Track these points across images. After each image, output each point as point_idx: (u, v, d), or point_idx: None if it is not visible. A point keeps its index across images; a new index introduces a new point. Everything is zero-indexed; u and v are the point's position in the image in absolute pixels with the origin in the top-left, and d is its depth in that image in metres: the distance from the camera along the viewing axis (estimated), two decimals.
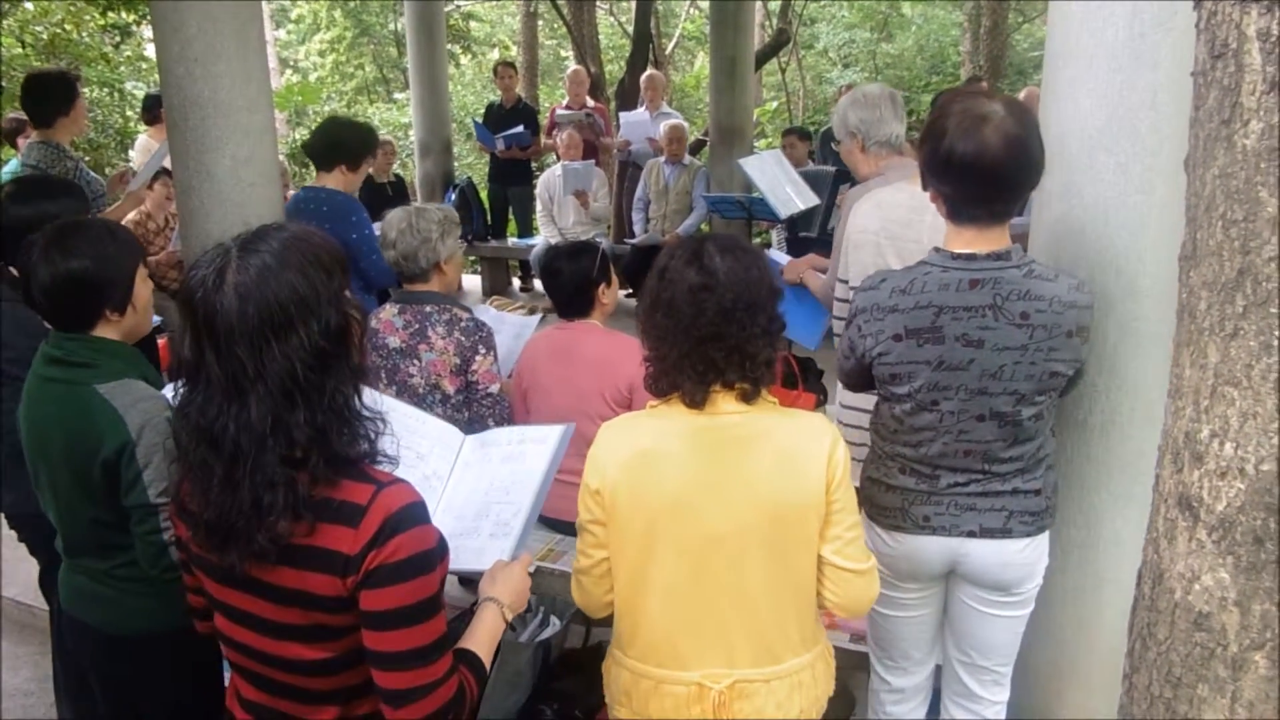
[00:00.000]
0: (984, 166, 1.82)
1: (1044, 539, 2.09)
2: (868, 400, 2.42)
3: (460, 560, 1.83)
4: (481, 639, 1.60)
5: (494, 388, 2.93)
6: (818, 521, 1.73)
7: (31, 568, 3.02)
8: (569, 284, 3.01)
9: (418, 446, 2.07)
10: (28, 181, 2.85)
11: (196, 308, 1.32)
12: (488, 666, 1.57)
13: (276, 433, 1.31)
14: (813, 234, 5.96)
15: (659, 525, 1.72)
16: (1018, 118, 1.83)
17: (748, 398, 1.72)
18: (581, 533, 1.83)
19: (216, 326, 1.30)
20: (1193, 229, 0.99)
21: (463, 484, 2.02)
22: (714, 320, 1.67)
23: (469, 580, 3.05)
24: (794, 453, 1.71)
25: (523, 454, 1.99)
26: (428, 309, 2.92)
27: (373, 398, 2.04)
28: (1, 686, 3.44)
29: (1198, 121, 0.96)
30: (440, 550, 1.43)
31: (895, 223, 2.63)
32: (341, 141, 3.87)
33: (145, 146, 6.81)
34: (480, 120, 8.14)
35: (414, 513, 1.39)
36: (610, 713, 1.91)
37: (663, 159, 7.25)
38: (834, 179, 5.89)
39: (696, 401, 1.71)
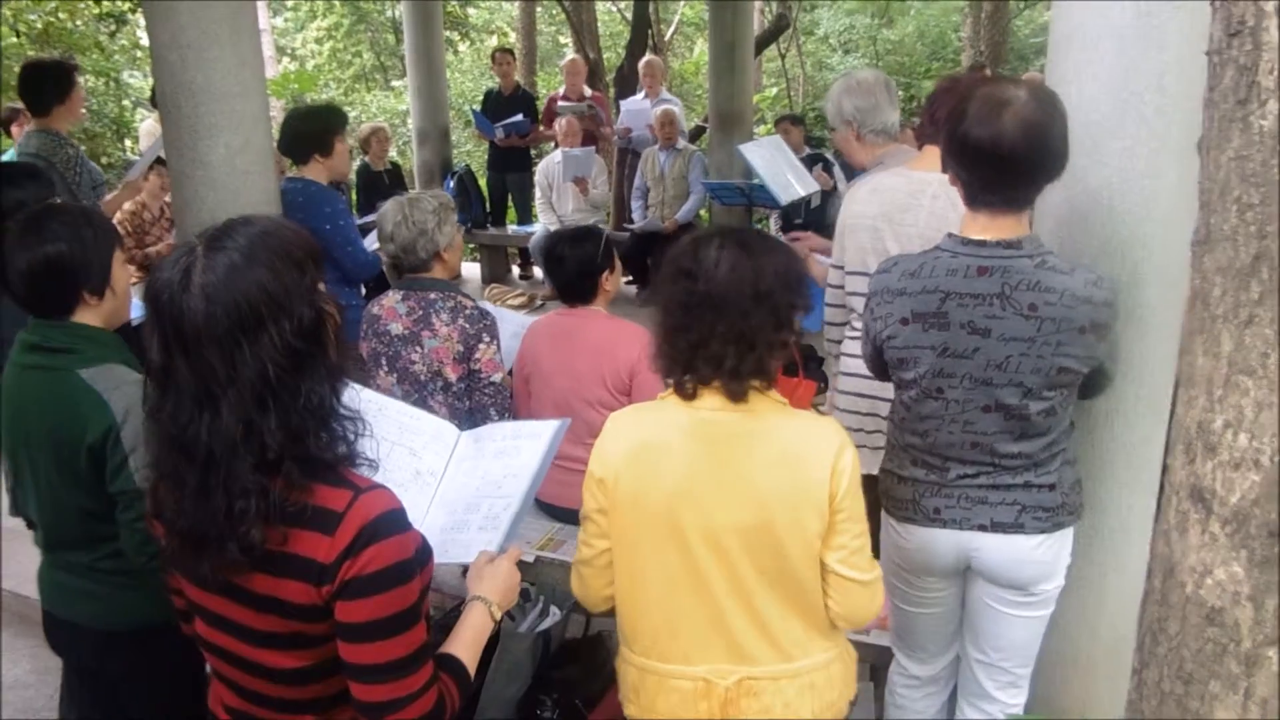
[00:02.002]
0: (1000, 153, 1.79)
1: (1063, 537, 2.05)
2: (866, 387, 2.40)
3: (449, 554, 1.82)
4: (466, 641, 1.56)
5: (496, 377, 2.91)
6: (818, 525, 1.69)
7: (28, 559, 3.00)
8: (572, 269, 2.99)
9: (411, 443, 2.05)
10: None
11: (163, 311, 1.28)
12: (472, 670, 1.53)
13: (249, 439, 1.27)
14: (801, 220, 5.96)
15: (658, 518, 1.71)
16: (1041, 104, 1.79)
17: (740, 395, 1.68)
18: (585, 522, 1.81)
19: (185, 330, 1.26)
20: (1206, 213, 0.96)
21: (456, 479, 2.00)
22: (743, 298, 1.64)
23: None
24: (796, 453, 1.69)
25: (516, 449, 1.98)
26: (432, 296, 2.91)
27: (367, 395, 2.02)
28: (1, 680, 3.42)
29: (1212, 102, 0.93)
30: (420, 559, 1.39)
31: (893, 207, 2.60)
32: (304, 133, 3.82)
33: (150, 131, 6.79)
34: (479, 108, 8.09)
35: (392, 520, 1.35)
36: (624, 709, 1.90)
37: (657, 146, 7.22)
38: (807, 162, 5.88)
39: (688, 393, 1.69)
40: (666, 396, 1.77)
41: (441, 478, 2.02)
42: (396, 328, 2.92)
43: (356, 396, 1.43)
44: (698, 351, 1.66)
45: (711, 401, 1.70)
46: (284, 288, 1.29)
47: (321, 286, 1.38)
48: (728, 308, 1.64)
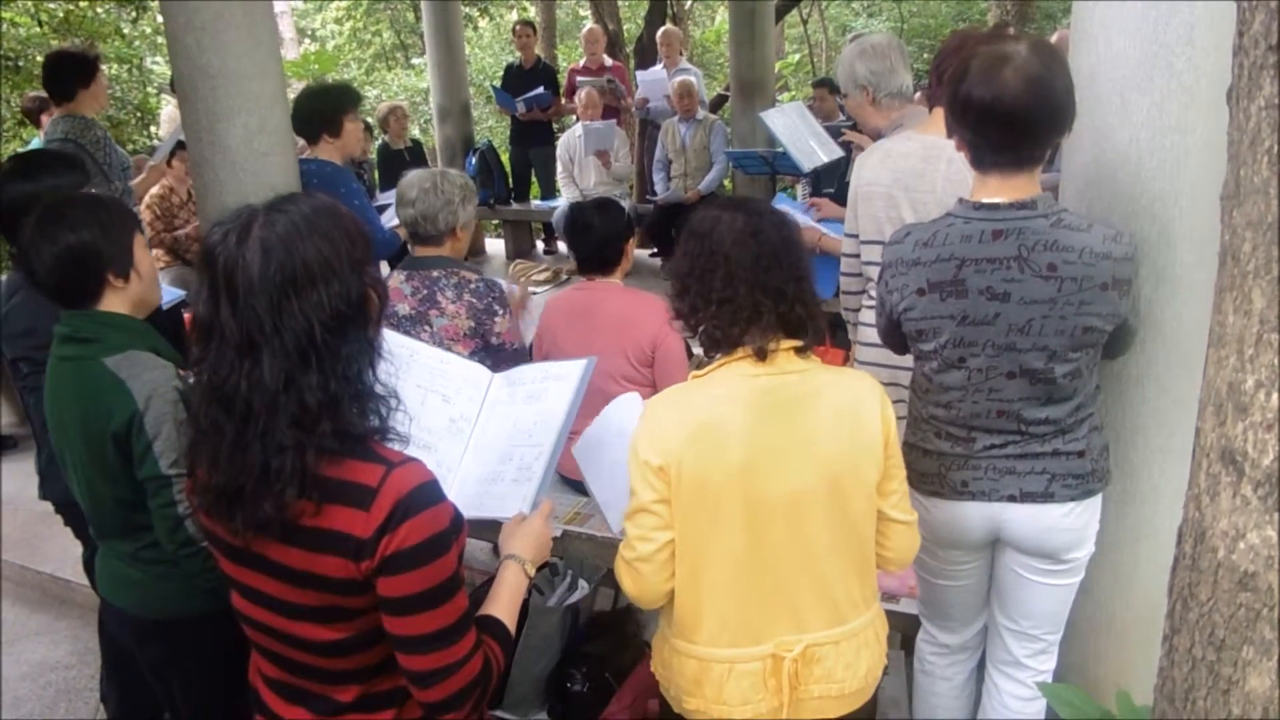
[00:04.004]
0: (1003, 110, 1.75)
1: (1092, 504, 2.02)
2: (885, 356, 2.37)
3: (485, 508, 1.81)
4: (504, 601, 1.58)
5: (517, 345, 2.94)
6: (875, 475, 1.72)
7: (68, 543, 3.05)
8: (601, 238, 3.01)
9: (444, 389, 2.05)
10: (26, 157, 2.82)
11: (217, 260, 1.29)
12: (512, 628, 1.56)
13: (289, 392, 1.28)
14: (833, 189, 5.87)
15: (727, 497, 1.68)
16: (1041, 58, 1.75)
17: (803, 351, 1.71)
18: (639, 516, 1.73)
19: (236, 281, 1.28)
20: (1235, 165, 0.92)
21: (490, 425, 2.00)
22: (776, 249, 1.68)
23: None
24: (850, 410, 1.70)
25: (545, 392, 1.96)
26: (435, 274, 2.91)
27: (399, 340, 2.03)
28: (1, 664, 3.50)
29: (1242, 49, 0.89)
30: (455, 528, 1.40)
31: (907, 173, 2.55)
32: (314, 111, 3.81)
33: (172, 117, 6.84)
34: (500, 82, 8.06)
35: (426, 494, 1.36)
36: (677, 706, 1.85)
37: (677, 117, 7.16)
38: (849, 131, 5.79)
39: (764, 351, 1.67)
40: (707, 374, 1.75)
41: (475, 423, 2.01)
42: (403, 309, 2.92)
43: (386, 342, 1.44)
44: (793, 286, 1.68)
45: (774, 364, 1.69)
46: (337, 255, 1.32)
47: (371, 270, 1.40)
48: (797, 247, 1.71)
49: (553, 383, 1.97)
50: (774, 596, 1.73)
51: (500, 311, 2.89)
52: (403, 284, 2.94)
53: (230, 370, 1.30)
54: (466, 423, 2.01)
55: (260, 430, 1.29)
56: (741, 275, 1.67)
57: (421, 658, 1.38)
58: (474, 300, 2.87)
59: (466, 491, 1.88)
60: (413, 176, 2.98)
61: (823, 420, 1.69)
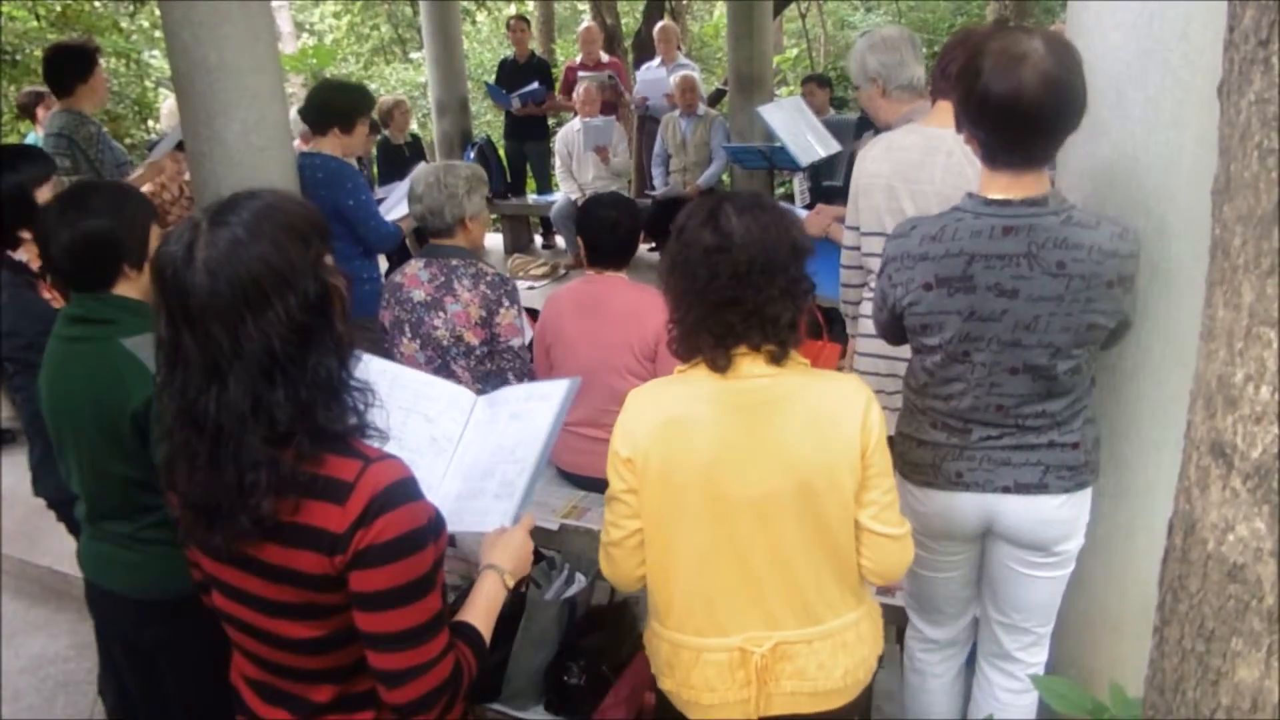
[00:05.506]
0: (1021, 109, 1.72)
1: (1084, 496, 2.03)
2: (886, 347, 2.37)
3: (464, 522, 1.81)
4: (480, 609, 1.57)
5: (515, 341, 2.95)
6: (852, 483, 1.70)
7: (66, 537, 3.05)
8: (626, 234, 3.04)
9: (426, 410, 2.05)
10: None
11: (168, 285, 1.28)
12: (487, 636, 1.55)
13: (257, 413, 1.27)
14: (837, 183, 5.86)
15: (691, 492, 1.70)
16: (1058, 56, 1.73)
17: (775, 359, 1.68)
18: (612, 503, 1.80)
19: (190, 306, 1.26)
20: (1226, 160, 0.93)
21: (472, 445, 2.00)
22: (728, 284, 1.63)
23: None
24: (825, 414, 1.68)
25: (529, 411, 1.97)
26: (454, 262, 2.95)
27: (381, 365, 2.03)
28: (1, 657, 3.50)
29: (1232, 44, 0.90)
30: (433, 527, 1.39)
31: (907, 165, 2.55)
32: (331, 105, 3.84)
33: (173, 111, 6.81)
34: (495, 76, 8.04)
35: (403, 490, 1.35)
36: (657, 683, 1.91)
37: (677, 112, 7.15)
38: (857, 126, 5.77)
39: (719, 366, 1.67)
40: (688, 370, 1.75)
41: (458, 444, 2.01)
42: (419, 294, 2.95)
43: (368, 368, 1.43)
44: (746, 320, 1.64)
45: (741, 370, 1.68)
46: (288, 262, 1.29)
47: (329, 259, 1.37)
48: (766, 271, 1.64)
49: (536, 402, 1.98)
50: (742, 592, 1.74)
51: (507, 305, 2.94)
52: (420, 271, 2.98)
53: (198, 393, 1.29)
54: (449, 442, 2.01)
55: (233, 449, 1.28)
56: (689, 301, 1.67)
57: (391, 656, 1.36)
58: (488, 291, 2.91)
59: (447, 507, 1.88)
60: (419, 172, 3.03)
61: (792, 425, 1.68)
